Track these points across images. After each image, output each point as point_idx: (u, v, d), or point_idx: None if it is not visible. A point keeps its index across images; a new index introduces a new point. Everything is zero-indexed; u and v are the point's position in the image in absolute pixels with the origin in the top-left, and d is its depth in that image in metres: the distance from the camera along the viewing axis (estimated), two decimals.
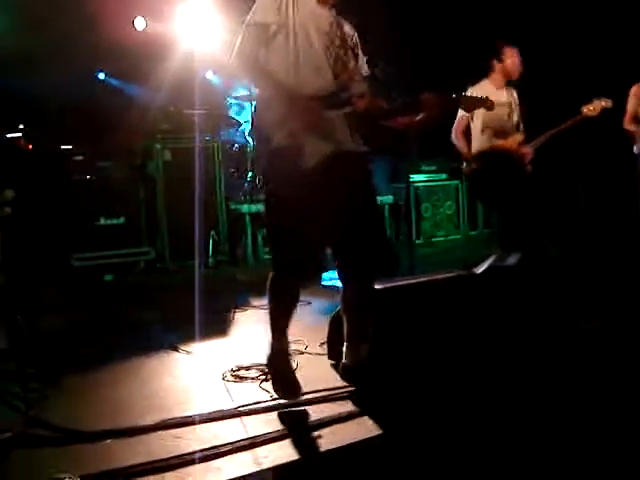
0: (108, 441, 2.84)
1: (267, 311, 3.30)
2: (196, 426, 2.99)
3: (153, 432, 2.93)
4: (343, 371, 3.42)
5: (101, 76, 9.38)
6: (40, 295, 5.89)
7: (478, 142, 5.66)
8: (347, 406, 3.11)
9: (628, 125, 6.64)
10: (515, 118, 5.69)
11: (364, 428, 2.88)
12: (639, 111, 6.63)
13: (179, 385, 3.60)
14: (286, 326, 3.26)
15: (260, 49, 3.10)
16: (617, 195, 8.02)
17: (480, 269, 4.18)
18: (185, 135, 7.72)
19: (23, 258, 6.11)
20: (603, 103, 5.56)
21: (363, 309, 3.33)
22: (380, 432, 2.83)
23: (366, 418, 2.97)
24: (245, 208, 7.94)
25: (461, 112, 5.65)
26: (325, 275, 5.76)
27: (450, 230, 9.76)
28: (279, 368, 3.28)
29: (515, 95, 5.75)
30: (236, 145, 8.43)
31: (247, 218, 7.89)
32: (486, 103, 3.47)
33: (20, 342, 4.27)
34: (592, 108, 5.53)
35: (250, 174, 8.19)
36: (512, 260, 4.42)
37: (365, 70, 3.30)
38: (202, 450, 2.70)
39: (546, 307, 3.98)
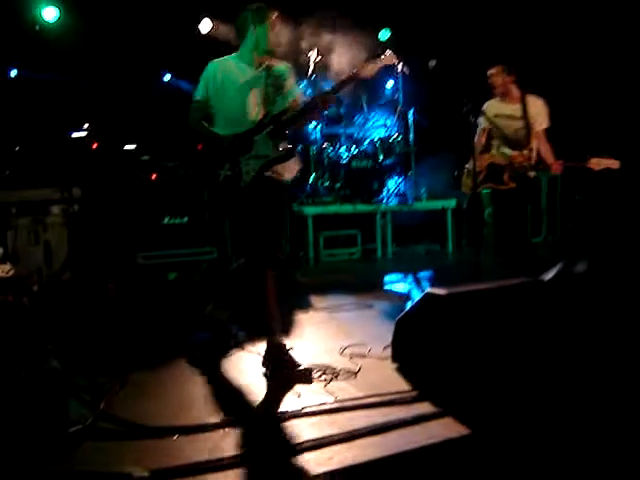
0: (175, 437, 2.87)
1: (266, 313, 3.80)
2: None
3: (218, 430, 2.95)
4: None
5: (167, 77, 9.51)
6: (103, 291, 5.99)
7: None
8: (412, 410, 3.09)
9: None
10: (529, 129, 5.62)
11: (430, 432, 2.85)
12: None
13: (244, 384, 3.62)
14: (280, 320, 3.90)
15: (201, 116, 4.09)
16: None
17: (548, 276, 4.10)
18: None
19: (89, 255, 6.25)
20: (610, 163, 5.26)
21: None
22: (446, 438, 2.80)
23: (432, 423, 2.94)
24: (307, 210, 7.98)
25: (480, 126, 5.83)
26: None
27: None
28: (288, 360, 3.75)
29: (536, 105, 5.64)
30: (299, 147, 8.45)
31: (309, 220, 7.93)
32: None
33: (88, 336, 4.37)
34: (597, 163, 5.25)
35: (312, 176, 8.22)
36: (580, 267, 4.33)
37: (294, 95, 4.05)
38: None
39: (614, 315, 3.87)
